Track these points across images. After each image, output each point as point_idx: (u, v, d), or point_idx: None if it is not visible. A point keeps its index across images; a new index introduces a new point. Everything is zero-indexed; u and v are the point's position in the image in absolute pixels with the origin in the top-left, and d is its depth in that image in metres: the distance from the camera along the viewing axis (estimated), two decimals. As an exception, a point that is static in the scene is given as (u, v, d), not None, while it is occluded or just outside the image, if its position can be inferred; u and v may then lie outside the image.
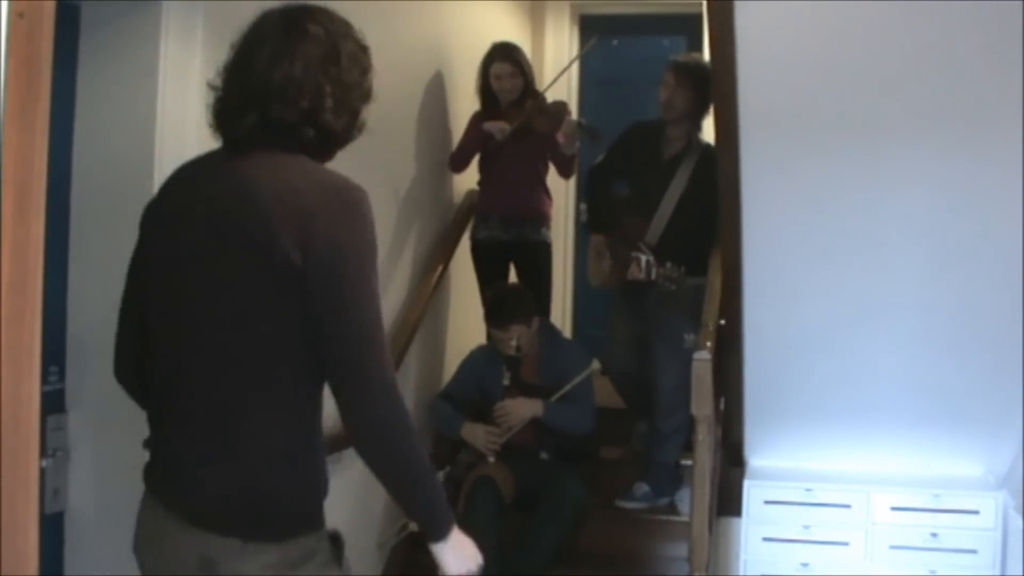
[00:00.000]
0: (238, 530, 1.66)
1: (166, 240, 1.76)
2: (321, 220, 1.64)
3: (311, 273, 1.63)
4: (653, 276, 3.71)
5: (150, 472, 1.79)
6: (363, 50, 1.82)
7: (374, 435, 1.68)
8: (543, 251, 4.46)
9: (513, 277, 4.49)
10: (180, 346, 1.73)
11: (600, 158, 4.28)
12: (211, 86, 1.78)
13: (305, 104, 1.71)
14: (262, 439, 1.68)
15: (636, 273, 3.76)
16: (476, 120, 4.43)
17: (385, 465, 1.72)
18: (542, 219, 4.43)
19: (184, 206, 1.76)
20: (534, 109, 4.23)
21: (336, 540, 1.79)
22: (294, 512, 1.71)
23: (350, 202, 1.69)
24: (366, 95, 1.81)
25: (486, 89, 4.37)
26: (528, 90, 4.34)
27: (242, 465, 1.67)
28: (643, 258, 3.74)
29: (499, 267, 4.44)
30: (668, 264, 3.67)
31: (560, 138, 4.24)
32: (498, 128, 4.23)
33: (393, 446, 1.70)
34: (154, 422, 1.81)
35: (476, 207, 4.47)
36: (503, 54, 4.36)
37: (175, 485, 1.71)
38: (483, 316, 4.00)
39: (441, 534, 1.78)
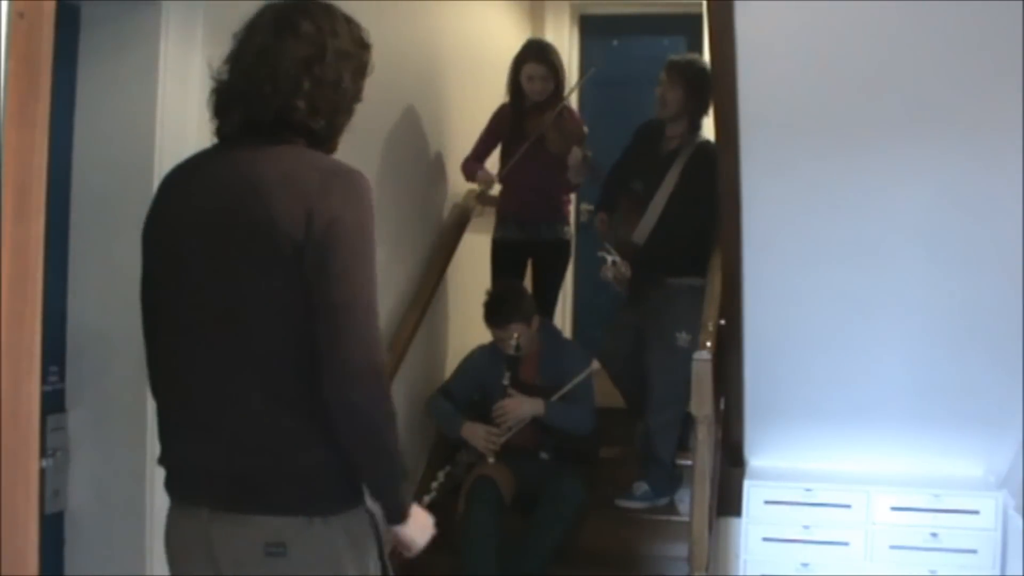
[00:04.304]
0: (301, 508, 1.67)
1: (170, 243, 1.76)
2: (322, 198, 1.65)
3: (309, 246, 1.63)
4: (611, 276, 3.76)
5: (183, 482, 1.77)
6: (361, 48, 1.82)
7: (351, 421, 1.67)
8: (561, 249, 4.48)
9: (528, 275, 4.51)
10: (195, 344, 1.73)
11: (616, 160, 4.29)
12: (213, 77, 1.79)
13: (279, 102, 1.71)
14: (299, 419, 1.68)
15: (606, 272, 3.80)
16: (501, 113, 4.43)
17: (358, 451, 1.71)
18: (559, 218, 4.44)
19: (184, 207, 1.76)
20: (552, 124, 4.21)
21: (374, 519, 1.81)
22: (343, 483, 1.72)
23: (351, 184, 1.70)
24: (353, 94, 1.81)
25: (515, 86, 4.34)
26: (558, 93, 4.32)
27: (286, 448, 1.68)
28: (608, 258, 3.77)
29: (515, 267, 4.45)
30: (617, 261, 3.73)
31: (569, 161, 4.22)
32: (485, 181, 4.35)
33: (369, 435, 1.69)
34: (175, 427, 1.79)
35: (497, 208, 4.49)
36: (539, 55, 4.32)
37: (222, 482, 1.70)
38: (483, 315, 4.00)
39: (405, 516, 1.80)
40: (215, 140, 1.81)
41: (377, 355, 1.68)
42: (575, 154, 4.17)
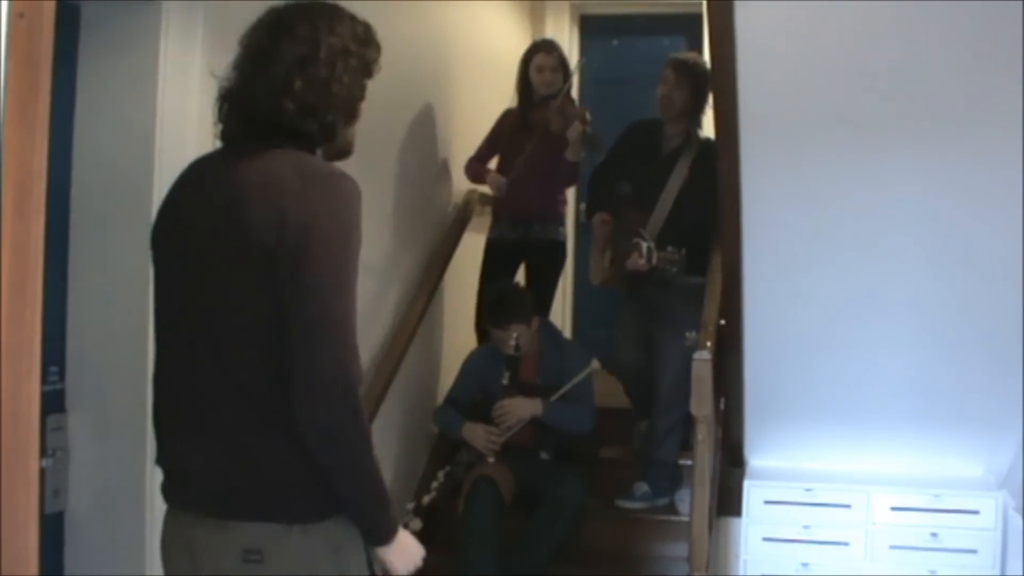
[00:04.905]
0: (279, 515, 1.66)
1: (169, 247, 1.78)
2: (299, 203, 1.61)
3: (281, 253, 1.60)
4: (654, 261, 3.69)
5: (172, 485, 1.78)
6: (364, 45, 1.79)
7: (320, 440, 1.64)
8: (555, 249, 4.47)
9: (521, 275, 4.50)
10: (183, 351, 1.73)
11: (602, 161, 4.28)
12: (215, 75, 1.79)
13: (269, 103, 1.69)
14: (275, 426, 1.66)
15: (637, 260, 3.74)
16: (505, 118, 4.45)
17: (333, 469, 1.67)
18: (553, 218, 4.43)
19: (181, 211, 1.77)
20: (557, 109, 4.23)
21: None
22: (323, 491, 1.70)
23: (331, 187, 1.66)
24: (352, 93, 1.76)
25: (524, 82, 4.39)
26: (564, 88, 4.34)
27: (263, 454, 1.67)
28: (644, 244, 3.72)
29: (506, 266, 4.44)
30: (669, 248, 3.66)
31: (569, 135, 4.23)
32: (496, 185, 4.35)
33: (343, 453, 1.66)
34: (164, 431, 1.80)
35: (493, 207, 4.50)
36: (548, 47, 4.43)
37: (204, 487, 1.70)
38: (484, 315, 3.99)
39: (386, 539, 1.75)
40: (216, 141, 1.81)
41: (348, 372, 1.61)
42: (575, 128, 4.17)
